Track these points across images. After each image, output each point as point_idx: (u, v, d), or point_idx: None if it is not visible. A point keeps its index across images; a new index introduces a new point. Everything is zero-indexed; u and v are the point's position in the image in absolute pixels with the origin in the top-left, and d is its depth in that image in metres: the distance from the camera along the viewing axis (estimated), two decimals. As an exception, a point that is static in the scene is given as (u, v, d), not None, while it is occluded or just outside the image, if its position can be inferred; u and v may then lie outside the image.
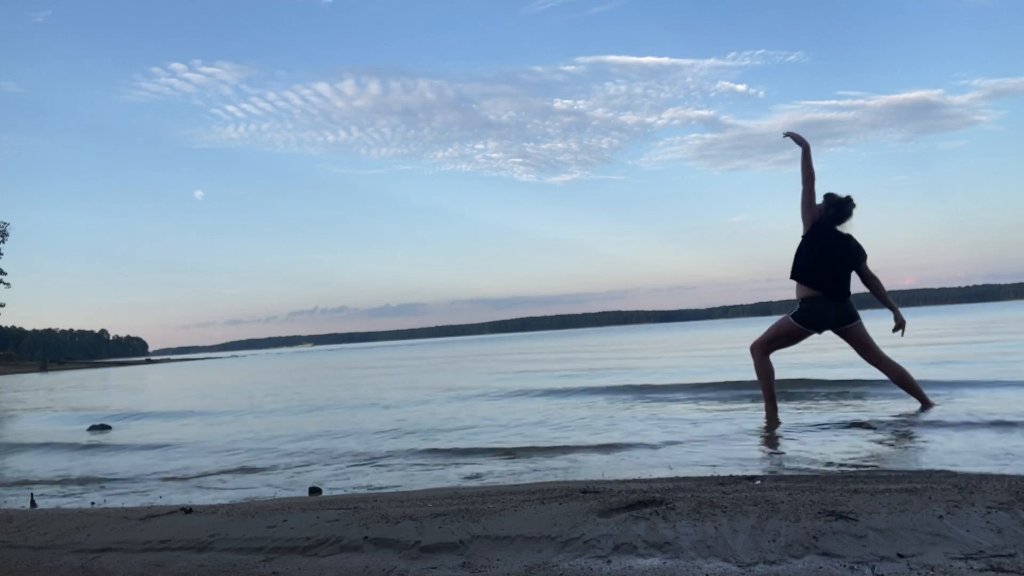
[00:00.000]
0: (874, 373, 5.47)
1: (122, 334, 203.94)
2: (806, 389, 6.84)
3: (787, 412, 5.53)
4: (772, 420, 5.27)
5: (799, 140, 5.35)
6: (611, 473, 3.76)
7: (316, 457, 4.99)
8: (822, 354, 11.12)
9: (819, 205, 5.31)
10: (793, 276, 5.30)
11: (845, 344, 5.34)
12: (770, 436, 4.69)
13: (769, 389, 5.47)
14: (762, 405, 5.63)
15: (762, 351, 5.45)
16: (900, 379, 5.28)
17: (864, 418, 5.01)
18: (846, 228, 5.27)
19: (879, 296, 5.32)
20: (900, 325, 5.34)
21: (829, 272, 5.18)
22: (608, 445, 4.65)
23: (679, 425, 5.36)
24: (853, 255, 5.22)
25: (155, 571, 2.40)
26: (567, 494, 2.89)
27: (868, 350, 5.27)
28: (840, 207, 5.24)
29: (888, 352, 5.32)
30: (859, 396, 6.19)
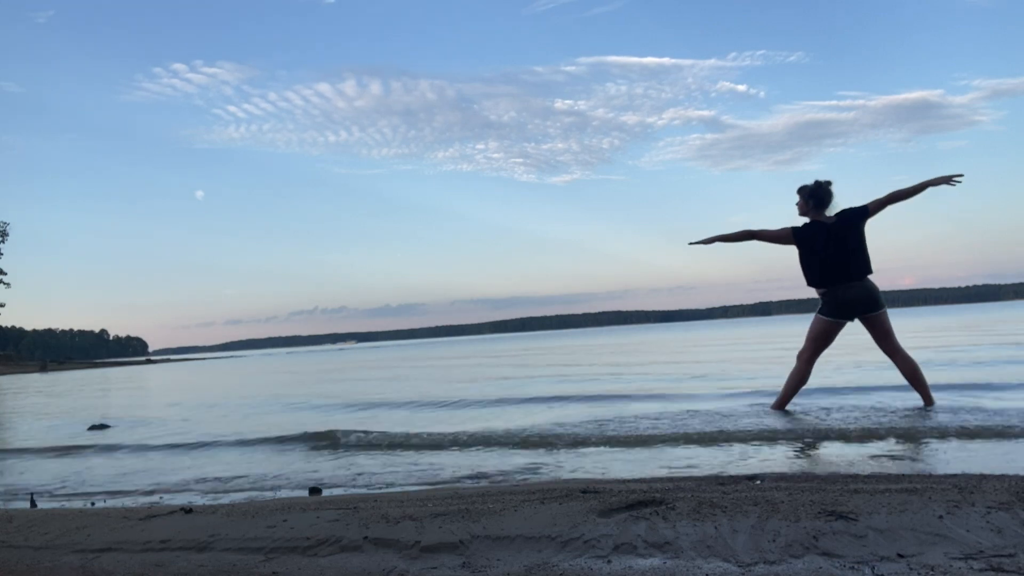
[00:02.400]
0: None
1: (122, 334, 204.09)
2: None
3: (788, 409, 5.53)
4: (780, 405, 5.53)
5: (703, 241, 5.59)
6: (609, 473, 3.77)
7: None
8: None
9: (799, 202, 5.37)
10: (809, 285, 5.41)
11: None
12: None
13: (790, 392, 5.51)
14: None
15: (808, 360, 5.43)
16: (911, 374, 5.31)
17: (863, 418, 5.00)
18: (833, 208, 5.26)
19: (905, 194, 5.11)
20: (949, 179, 5.03)
21: (822, 268, 5.22)
22: None
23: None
24: (844, 233, 5.15)
25: (155, 571, 2.40)
26: (567, 494, 2.89)
27: (887, 339, 5.30)
28: (816, 195, 5.27)
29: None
30: (858, 398, 6.19)
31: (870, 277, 5.19)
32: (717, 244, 5.57)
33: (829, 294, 5.26)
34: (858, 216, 5.17)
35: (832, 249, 5.15)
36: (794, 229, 5.32)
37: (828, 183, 5.27)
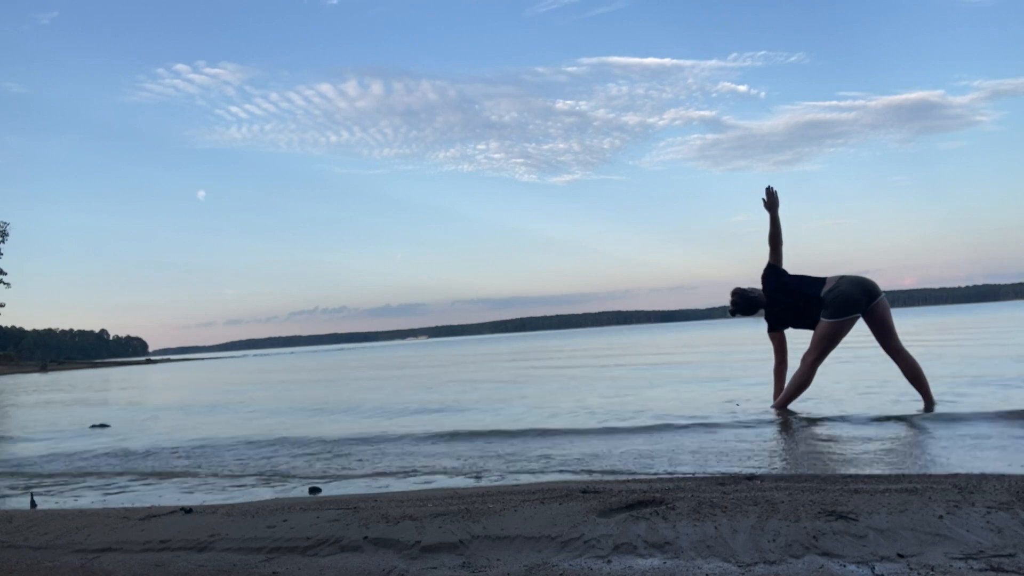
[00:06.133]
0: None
1: (122, 334, 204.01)
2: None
3: (786, 414, 5.53)
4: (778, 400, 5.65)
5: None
6: (610, 473, 3.77)
7: None
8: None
9: (756, 293, 5.78)
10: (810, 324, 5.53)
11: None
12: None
13: (792, 394, 5.51)
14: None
15: (812, 363, 5.44)
16: (913, 374, 5.33)
17: (863, 419, 5.01)
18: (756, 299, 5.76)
19: (773, 233, 5.77)
20: (768, 199, 5.80)
21: (793, 305, 5.54)
22: None
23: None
24: (782, 286, 5.61)
25: (155, 571, 2.40)
26: (567, 494, 2.90)
27: (890, 337, 5.33)
28: (745, 304, 5.77)
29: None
30: (859, 398, 6.19)
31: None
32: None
33: (832, 292, 5.28)
34: (773, 272, 5.71)
35: (790, 297, 5.56)
36: (769, 323, 5.71)
37: (741, 292, 5.78)
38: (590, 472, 3.83)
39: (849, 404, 5.80)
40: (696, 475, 3.49)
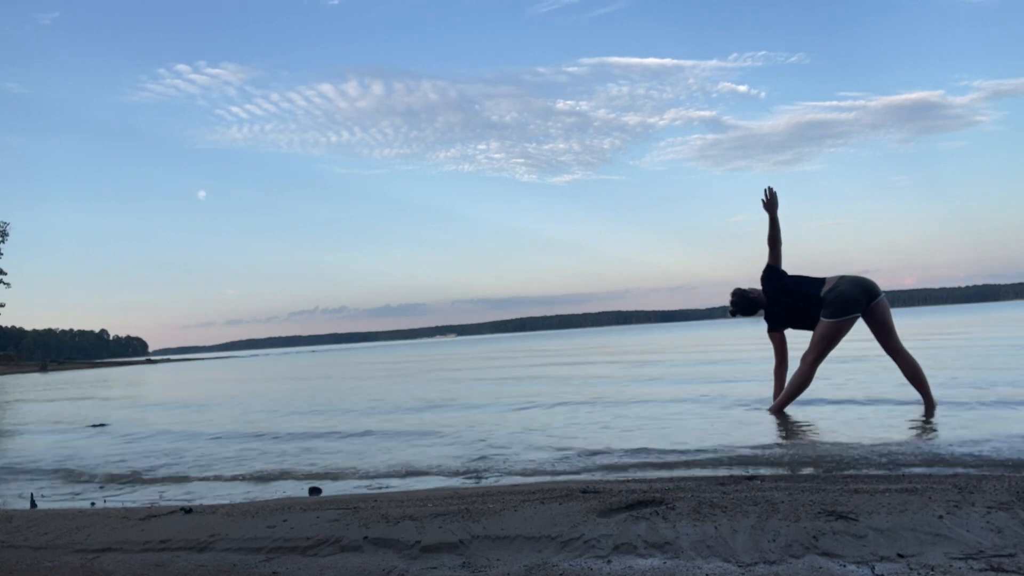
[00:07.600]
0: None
1: (122, 334, 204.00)
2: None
3: (787, 412, 5.53)
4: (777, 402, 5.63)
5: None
6: (611, 473, 3.77)
7: None
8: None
9: (756, 293, 5.78)
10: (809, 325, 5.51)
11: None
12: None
13: (792, 395, 5.50)
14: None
15: (812, 363, 5.43)
16: (913, 375, 5.33)
17: (863, 418, 5.01)
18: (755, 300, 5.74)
19: (772, 234, 5.74)
20: (768, 200, 5.77)
21: (793, 305, 5.54)
22: None
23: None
24: (782, 287, 5.60)
25: (155, 571, 2.40)
26: (567, 494, 2.90)
27: (890, 337, 5.32)
28: (744, 305, 5.77)
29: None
30: (859, 398, 6.19)
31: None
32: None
33: (832, 292, 5.28)
34: (773, 273, 5.69)
35: (790, 298, 5.55)
36: (769, 323, 5.70)
37: (741, 292, 5.77)
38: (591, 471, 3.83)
39: (849, 404, 5.80)
40: (696, 475, 3.49)
